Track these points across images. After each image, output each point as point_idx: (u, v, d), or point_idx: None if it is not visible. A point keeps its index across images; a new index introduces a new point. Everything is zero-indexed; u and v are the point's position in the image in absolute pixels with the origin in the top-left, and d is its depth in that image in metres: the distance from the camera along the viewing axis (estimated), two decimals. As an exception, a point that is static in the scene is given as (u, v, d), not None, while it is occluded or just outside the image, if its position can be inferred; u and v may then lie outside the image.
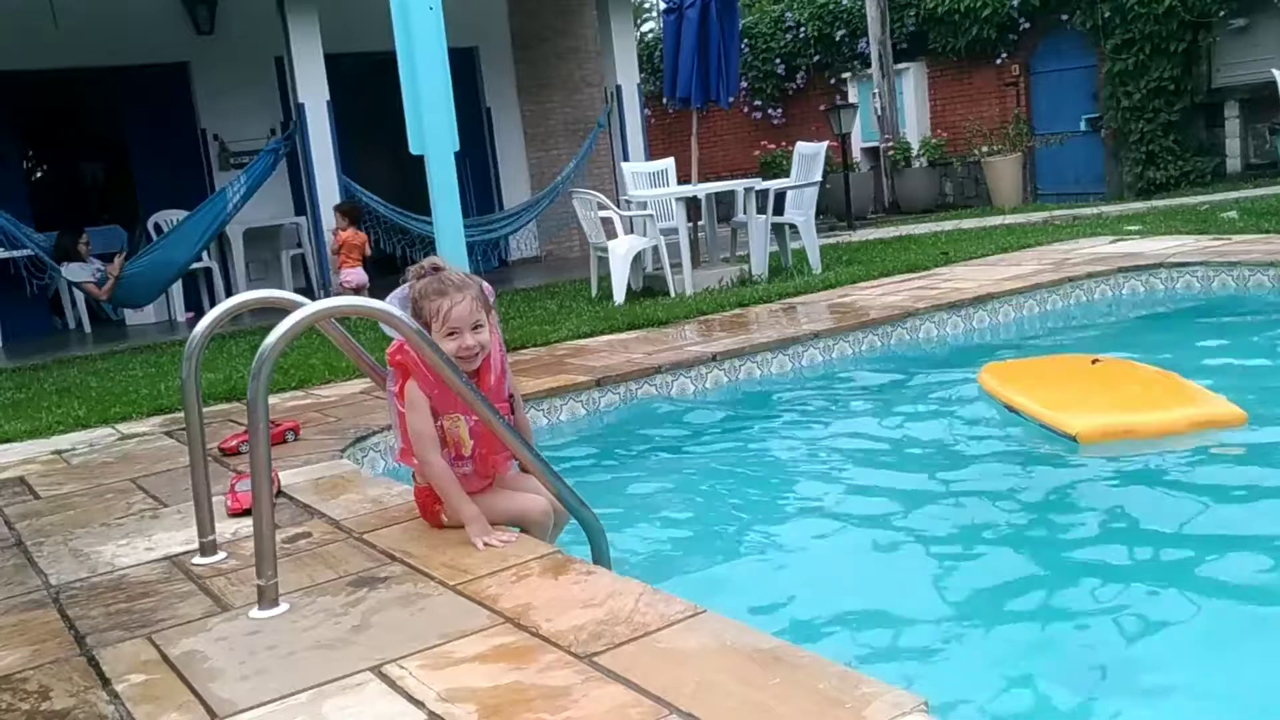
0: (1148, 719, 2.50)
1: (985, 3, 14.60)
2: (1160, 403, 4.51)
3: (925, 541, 3.67)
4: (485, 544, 2.98)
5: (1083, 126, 14.24)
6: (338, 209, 9.67)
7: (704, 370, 5.87)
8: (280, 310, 3.04)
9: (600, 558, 3.05)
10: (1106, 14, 13.38)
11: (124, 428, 5.51)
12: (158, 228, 11.16)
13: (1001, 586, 3.24)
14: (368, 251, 9.62)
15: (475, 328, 3.03)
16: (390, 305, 2.93)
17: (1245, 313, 6.63)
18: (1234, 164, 13.10)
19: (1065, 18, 14.04)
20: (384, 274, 10.04)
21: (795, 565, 3.57)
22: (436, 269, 3.09)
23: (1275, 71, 8.85)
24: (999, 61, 14.95)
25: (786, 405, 5.71)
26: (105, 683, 2.42)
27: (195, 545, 3.26)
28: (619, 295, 8.52)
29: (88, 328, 10.77)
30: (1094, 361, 5.21)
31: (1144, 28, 13.01)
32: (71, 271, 9.88)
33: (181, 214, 10.46)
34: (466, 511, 3.04)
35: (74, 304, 10.91)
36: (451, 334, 3.01)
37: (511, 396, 3.23)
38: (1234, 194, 11.46)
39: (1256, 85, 11.92)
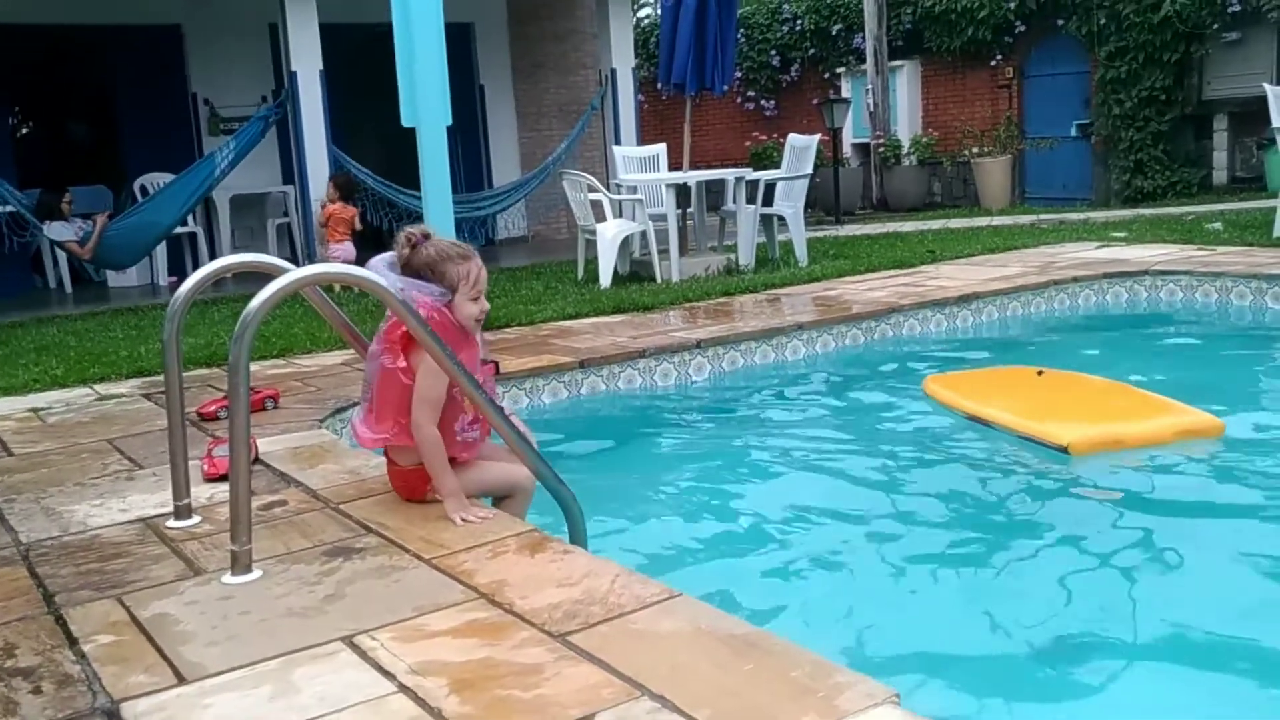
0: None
1: (982, 4, 14.60)
2: (1139, 413, 4.54)
3: (903, 534, 3.68)
4: (463, 519, 2.97)
5: (1073, 132, 14.28)
6: (332, 180, 9.59)
7: (687, 357, 5.87)
8: (264, 277, 3.01)
9: (577, 537, 3.05)
10: (1102, 21, 13.40)
11: (102, 388, 5.47)
12: (144, 190, 11.05)
13: (980, 583, 3.25)
14: (357, 226, 9.55)
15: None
16: (375, 272, 2.92)
17: (1226, 322, 6.68)
18: (1220, 176, 13.17)
19: (1061, 23, 14.07)
20: (370, 247, 9.99)
21: (772, 552, 3.58)
22: (427, 236, 3.09)
23: (1266, 86, 8.88)
24: (993, 63, 14.97)
25: (768, 395, 5.72)
26: (72, 642, 2.40)
27: (170, 508, 3.24)
28: (605, 278, 8.50)
29: (69, 288, 10.68)
30: (1039, 373, 5.25)
31: (1138, 37, 13.05)
32: (54, 230, 9.79)
33: (168, 177, 10.36)
34: (449, 484, 3.03)
35: (55, 263, 10.81)
36: (476, 298, 3.07)
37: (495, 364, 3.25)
38: (1219, 206, 11.52)
39: (1246, 99, 11.97)
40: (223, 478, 3.46)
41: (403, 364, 3.04)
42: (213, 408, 4.58)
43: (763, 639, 2.18)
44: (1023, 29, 14.48)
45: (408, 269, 3.05)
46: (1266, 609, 3.03)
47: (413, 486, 3.20)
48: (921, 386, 5.35)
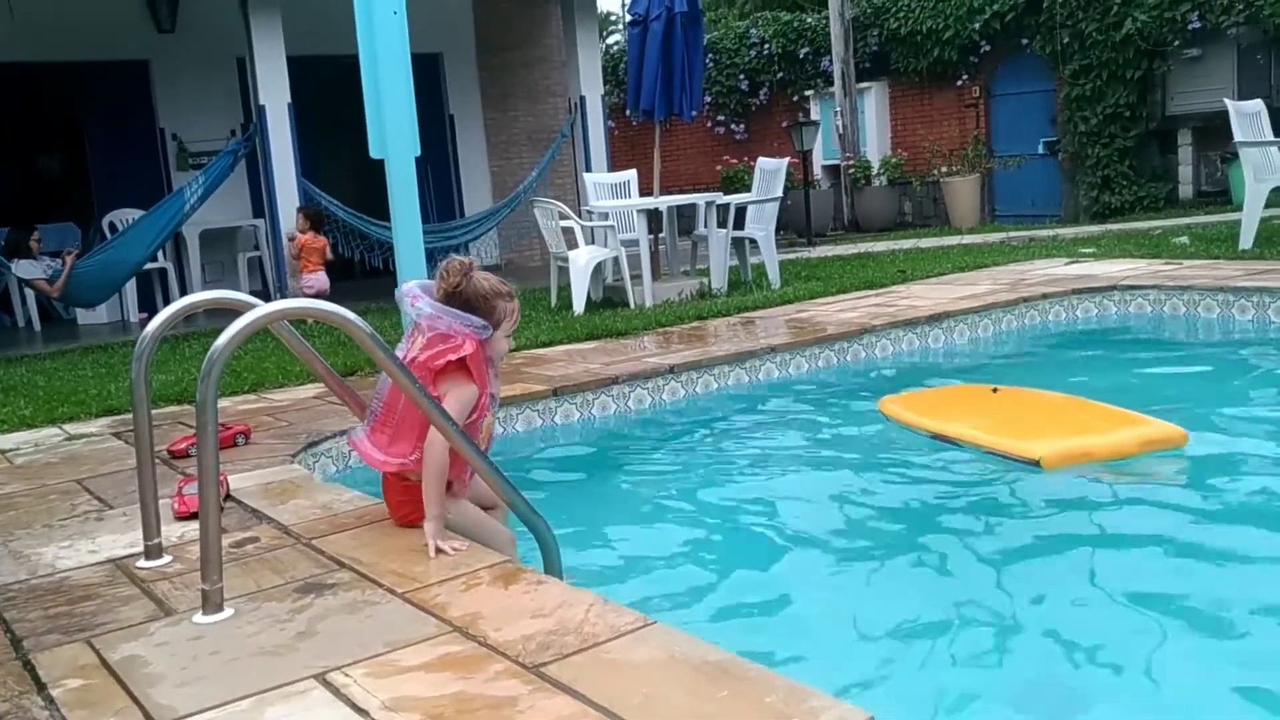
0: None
1: (947, 25, 14.78)
2: (1104, 426, 4.58)
3: (878, 554, 3.68)
4: (437, 548, 2.96)
5: (1040, 149, 14.44)
6: (301, 211, 9.59)
7: (661, 382, 5.87)
8: (234, 312, 3.00)
9: (551, 567, 3.04)
10: (1065, 40, 13.59)
11: (71, 428, 5.42)
12: (112, 226, 11.00)
13: (952, 604, 3.25)
14: (329, 255, 9.55)
15: None
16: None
17: (1193, 336, 6.74)
18: (1186, 191, 13.34)
19: (1025, 42, 14.25)
20: (342, 278, 9.98)
21: (747, 578, 3.57)
22: (473, 265, 3.16)
23: (1227, 101, 9.02)
24: (959, 83, 15.14)
25: (742, 419, 5.72)
26: (40, 687, 2.37)
27: (140, 548, 3.21)
28: (578, 305, 8.51)
29: (38, 326, 10.60)
30: (994, 390, 5.29)
31: (1101, 54, 13.23)
32: (22, 269, 9.73)
33: (137, 213, 10.32)
34: (438, 510, 3.02)
35: (24, 302, 10.73)
36: (509, 335, 3.22)
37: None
38: (1186, 220, 11.67)
39: (1209, 114, 12.15)
40: (194, 516, 3.43)
41: (435, 393, 3.03)
42: (183, 445, 4.54)
43: (736, 665, 2.17)
44: (988, 49, 14.66)
45: (457, 297, 3.08)
46: (1242, 612, 3.05)
47: (418, 502, 3.10)
48: (877, 407, 5.36)
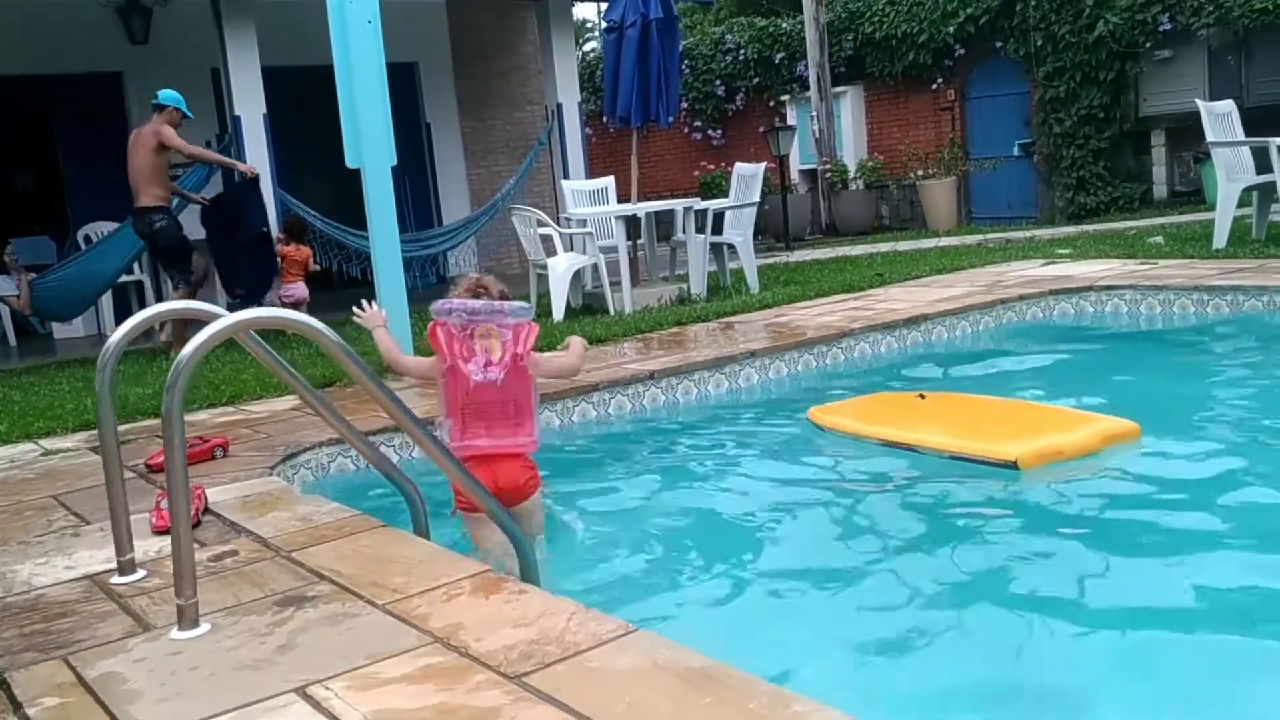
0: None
1: (921, 29, 14.86)
2: (1062, 424, 4.64)
3: (856, 561, 3.68)
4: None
5: (1016, 152, 14.52)
6: (281, 222, 9.56)
7: (641, 388, 5.87)
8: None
9: (529, 575, 3.03)
10: (1039, 42, 13.68)
11: (47, 443, 5.37)
12: (88, 239, 10.91)
13: (932, 608, 3.25)
14: (310, 267, 9.51)
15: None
16: (313, 322, 2.94)
17: (1169, 334, 6.79)
18: (1160, 191, 13.45)
19: (999, 45, 14.33)
20: (319, 289, 9.93)
21: (728, 584, 3.57)
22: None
23: (1199, 102, 9.09)
24: (934, 86, 15.21)
25: (722, 425, 5.72)
26: (16, 707, 2.34)
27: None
28: (558, 312, 8.50)
29: (13, 341, 10.50)
30: (921, 396, 5.30)
31: (1074, 56, 13.33)
32: (-6, 283, 9.65)
33: (113, 226, 10.25)
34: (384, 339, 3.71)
35: (-1, 317, 10.65)
36: None
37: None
38: (1160, 220, 11.76)
39: (1181, 115, 12.25)
40: (171, 530, 3.40)
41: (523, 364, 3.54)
42: (161, 459, 4.50)
43: (720, 671, 2.17)
44: (962, 52, 14.74)
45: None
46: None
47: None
48: (807, 417, 5.31)
